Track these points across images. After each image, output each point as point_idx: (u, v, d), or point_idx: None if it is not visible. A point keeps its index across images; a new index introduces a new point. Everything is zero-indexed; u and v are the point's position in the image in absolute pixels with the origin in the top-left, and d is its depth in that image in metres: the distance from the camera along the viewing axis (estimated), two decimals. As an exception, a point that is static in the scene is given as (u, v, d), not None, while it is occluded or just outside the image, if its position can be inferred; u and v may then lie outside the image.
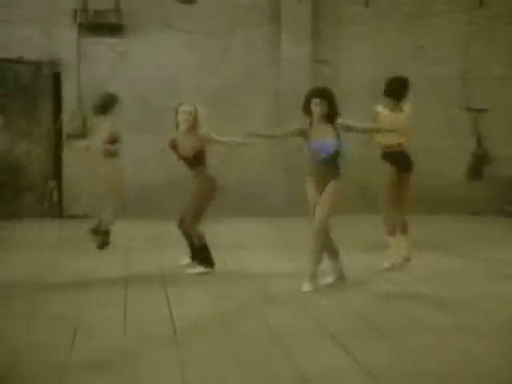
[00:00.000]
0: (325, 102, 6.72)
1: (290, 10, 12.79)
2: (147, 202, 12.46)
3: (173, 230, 10.87)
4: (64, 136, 12.05)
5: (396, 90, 8.22)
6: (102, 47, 12.66)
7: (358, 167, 12.11)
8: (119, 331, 5.21)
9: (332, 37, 13.07)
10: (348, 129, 6.91)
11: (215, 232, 9.98)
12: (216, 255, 8.49)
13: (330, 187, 6.79)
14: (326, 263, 6.95)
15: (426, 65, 13.14)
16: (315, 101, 6.74)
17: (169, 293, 6.48)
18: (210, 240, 8.67)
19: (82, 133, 11.46)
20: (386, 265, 7.76)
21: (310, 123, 6.82)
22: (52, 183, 12.30)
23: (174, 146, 7.73)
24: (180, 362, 4.45)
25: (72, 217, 12.06)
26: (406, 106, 8.23)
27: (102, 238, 8.53)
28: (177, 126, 7.76)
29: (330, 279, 7.02)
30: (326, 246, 6.87)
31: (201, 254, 7.59)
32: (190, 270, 7.57)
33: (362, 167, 12.44)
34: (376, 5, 13.12)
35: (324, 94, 6.76)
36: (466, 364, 4.48)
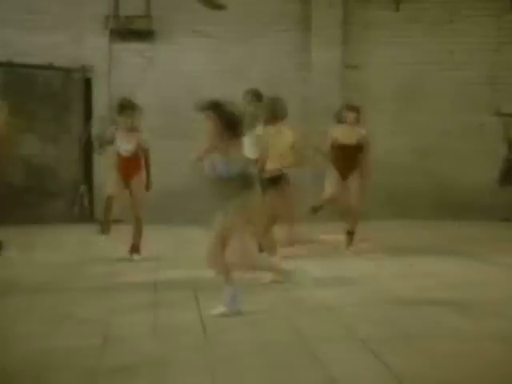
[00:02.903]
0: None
1: (319, 15, 12.82)
2: (172, 206, 12.51)
3: (199, 235, 10.96)
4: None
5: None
6: (132, 53, 12.77)
7: (383, 172, 12.10)
8: (149, 336, 5.25)
9: (362, 41, 13.07)
10: None
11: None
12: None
13: None
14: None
15: (455, 69, 13.09)
16: None
17: (198, 297, 6.52)
18: (235, 247, 8.69)
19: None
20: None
21: None
22: (82, 188, 12.41)
23: None
24: (209, 367, 4.48)
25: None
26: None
27: None
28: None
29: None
30: None
31: None
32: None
33: (387, 172, 12.45)
34: (405, 9, 13.10)
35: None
36: (492, 371, 4.47)
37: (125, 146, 8.65)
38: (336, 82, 12.81)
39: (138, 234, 8.78)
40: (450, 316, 5.89)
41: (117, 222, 8.96)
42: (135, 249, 8.76)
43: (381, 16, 13.14)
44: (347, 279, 7.47)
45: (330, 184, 9.28)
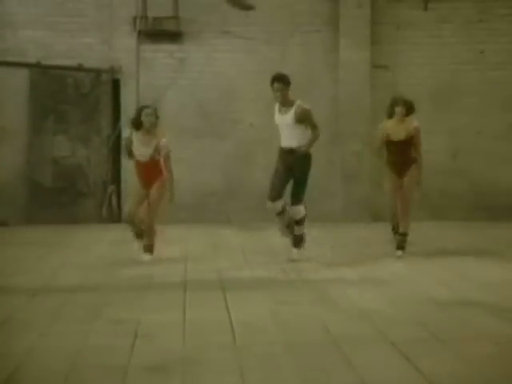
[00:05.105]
0: None
1: (348, 15, 12.74)
2: (205, 206, 12.53)
3: (230, 235, 10.96)
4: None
5: None
6: (161, 54, 12.78)
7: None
8: (178, 335, 5.22)
9: (391, 42, 12.96)
10: None
11: (272, 238, 9.98)
12: (274, 261, 8.48)
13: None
14: None
15: (487, 69, 12.95)
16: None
17: (227, 297, 6.48)
18: (267, 247, 8.67)
19: None
20: None
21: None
22: (111, 188, 12.43)
23: None
24: (240, 367, 4.43)
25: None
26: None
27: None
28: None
29: None
30: None
31: None
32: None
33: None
34: (435, 9, 12.98)
35: None
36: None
37: (142, 150, 8.32)
38: (366, 83, 12.72)
39: (150, 233, 8.53)
40: (486, 318, 5.78)
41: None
42: (148, 248, 8.58)
43: (410, 16, 13.02)
44: (379, 280, 7.39)
45: (387, 184, 9.03)
